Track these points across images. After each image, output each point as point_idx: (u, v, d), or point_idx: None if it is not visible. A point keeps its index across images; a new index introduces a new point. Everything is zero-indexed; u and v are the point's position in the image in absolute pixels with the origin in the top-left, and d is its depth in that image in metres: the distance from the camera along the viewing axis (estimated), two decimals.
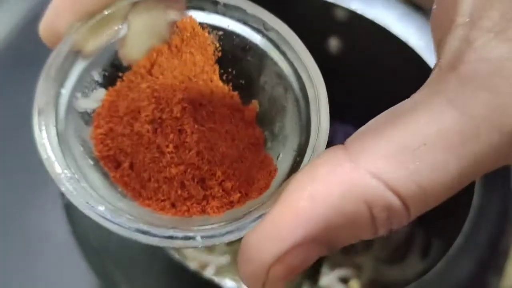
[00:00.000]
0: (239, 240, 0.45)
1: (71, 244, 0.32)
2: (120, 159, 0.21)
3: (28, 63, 0.51)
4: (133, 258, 0.30)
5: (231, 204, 0.21)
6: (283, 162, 0.22)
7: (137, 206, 0.21)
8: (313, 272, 0.42)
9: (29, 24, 0.53)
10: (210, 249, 0.42)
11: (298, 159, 0.21)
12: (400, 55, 0.34)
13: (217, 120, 0.22)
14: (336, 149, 0.18)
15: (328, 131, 0.21)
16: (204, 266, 0.41)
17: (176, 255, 0.29)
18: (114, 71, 0.22)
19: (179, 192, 0.21)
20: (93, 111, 0.22)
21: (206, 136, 0.21)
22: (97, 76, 0.22)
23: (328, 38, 0.39)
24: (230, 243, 0.42)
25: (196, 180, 0.21)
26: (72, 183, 0.20)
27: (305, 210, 0.17)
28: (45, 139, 0.20)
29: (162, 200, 0.21)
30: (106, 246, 0.31)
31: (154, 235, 0.19)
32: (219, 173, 0.21)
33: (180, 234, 0.19)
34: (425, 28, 0.36)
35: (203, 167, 0.21)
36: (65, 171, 0.20)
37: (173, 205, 0.21)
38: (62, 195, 0.33)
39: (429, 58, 0.34)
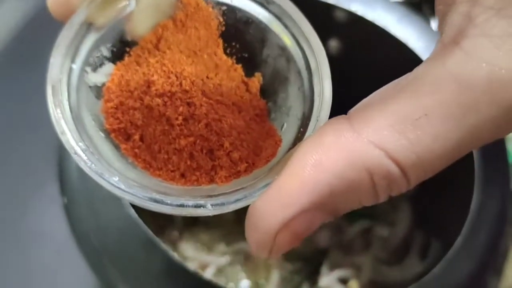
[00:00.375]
0: (239, 240, 0.45)
1: (70, 244, 0.32)
2: (131, 131, 0.22)
3: (28, 63, 0.51)
4: (132, 258, 0.30)
5: (238, 174, 0.21)
6: (288, 132, 0.22)
7: (148, 176, 0.21)
8: (312, 272, 0.42)
9: (29, 24, 0.53)
10: (210, 249, 0.42)
11: (302, 129, 0.22)
12: (399, 57, 0.34)
13: (224, 93, 0.22)
14: (340, 119, 0.19)
15: (331, 100, 0.22)
16: (204, 266, 0.41)
17: (175, 256, 0.29)
18: (122, 46, 0.23)
19: (188, 162, 0.21)
20: (103, 85, 0.22)
21: (214, 109, 0.22)
22: (105, 51, 0.22)
23: (328, 39, 0.39)
24: (230, 244, 0.42)
25: (204, 151, 0.21)
26: (86, 155, 0.20)
27: (310, 177, 0.18)
28: (59, 114, 0.21)
29: (172, 171, 0.21)
30: (105, 246, 0.31)
31: (166, 204, 0.20)
32: (226, 144, 0.21)
33: (191, 202, 0.20)
34: (425, 30, 0.36)
35: (211, 138, 0.21)
36: (80, 143, 0.20)
37: (182, 175, 0.21)
38: (61, 195, 0.33)
39: None
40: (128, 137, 0.22)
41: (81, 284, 0.42)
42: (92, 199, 0.32)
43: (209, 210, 0.20)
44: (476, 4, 0.18)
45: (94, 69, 0.22)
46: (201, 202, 0.20)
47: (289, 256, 0.42)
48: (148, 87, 0.22)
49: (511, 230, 0.33)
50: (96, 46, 0.22)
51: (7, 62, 0.52)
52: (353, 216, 0.43)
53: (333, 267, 0.42)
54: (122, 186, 0.20)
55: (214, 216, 0.21)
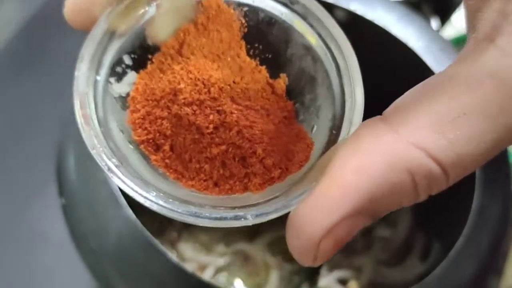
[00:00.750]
0: (238, 241, 0.44)
1: (69, 245, 0.32)
2: (160, 142, 0.21)
3: (28, 63, 0.51)
4: (131, 260, 0.30)
5: (272, 180, 0.21)
6: (319, 134, 0.22)
7: (180, 187, 0.21)
8: (312, 273, 0.42)
9: (29, 24, 0.53)
10: (209, 250, 0.42)
11: (334, 131, 0.22)
12: (399, 56, 0.34)
13: (251, 97, 0.22)
14: (376, 121, 0.19)
15: (363, 102, 0.21)
16: (203, 267, 0.41)
17: (174, 257, 0.29)
18: (143, 53, 0.22)
19: (221, 171, 0.21)
20: (127, 95, 0.22)
21: (244, 115, 0.21)
22: (127, 59, 0.22)
23: None
24: (229, 244, 0.42)
25: (237, 159, 0.21)
26: (121, 171, 0.20)
27: (352, 182, 0.18)
28: (90, 130, 0.20)
29: (205, 180, 0.21)
30: (104, 248, 0.30)
31: (205, 217, 0.20)
32: (259, 150, 0.21)
33: (230, 214, 0.20)
34: (424, 29, 0.35)
35: (243, 145, 0.21)
36: (113, 159, 0.20)
37: (216, 184, 0.21)
38: (59, 196, 0.33)
39: (428, 59, 0.34)
40: (157, 148, 0.21)
41: (79, 286, 0.42)
42: (91, 200, 0.32)
43: (249, 220, 0.20)
44: (510, 1, 0.18)
45: (118, 79, 0.22)
46: (241, 213, 0.20)
47: (289, 256, 0.42)
48: (175, 95, 0.21)
49: None
50: (118, 55, 0.22)
51: (8, 62, 0.52)
52: None
53: (332, 268, 0.41)
54: (160, 202, 0.20)
55: None
